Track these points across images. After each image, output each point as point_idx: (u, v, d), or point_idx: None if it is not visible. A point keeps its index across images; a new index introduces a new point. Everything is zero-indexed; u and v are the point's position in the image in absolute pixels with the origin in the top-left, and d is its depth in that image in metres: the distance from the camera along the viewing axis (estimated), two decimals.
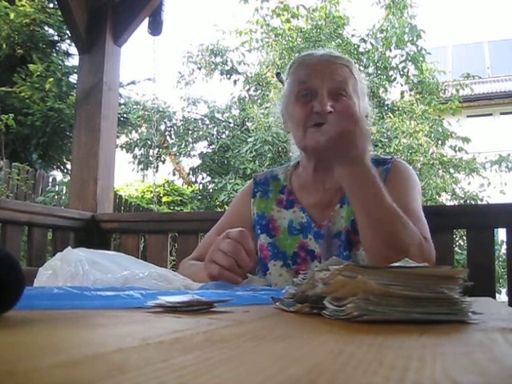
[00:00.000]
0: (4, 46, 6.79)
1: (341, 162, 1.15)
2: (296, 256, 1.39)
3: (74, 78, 6.96)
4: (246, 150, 8.83)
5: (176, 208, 9.39)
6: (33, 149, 7.05)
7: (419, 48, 9.84)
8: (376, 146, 8.11)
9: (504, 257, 6.12)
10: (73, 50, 7.32)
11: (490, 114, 16.46)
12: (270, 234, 1.44)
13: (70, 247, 1.02)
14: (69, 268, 0.94)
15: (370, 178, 1.16)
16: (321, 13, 10.11)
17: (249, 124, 9.64)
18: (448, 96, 10.40)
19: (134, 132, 10.16)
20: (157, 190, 8.94)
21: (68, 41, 7.40)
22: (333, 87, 1.34)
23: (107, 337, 0.48)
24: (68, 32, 6.71)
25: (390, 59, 9.89)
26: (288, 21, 10.21)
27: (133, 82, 7.81)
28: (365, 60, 9.51)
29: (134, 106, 9.78)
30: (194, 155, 10.26)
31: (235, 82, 10.77)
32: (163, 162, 10.75)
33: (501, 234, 2.89)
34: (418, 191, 1.38)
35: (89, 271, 0.93)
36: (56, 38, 7.49)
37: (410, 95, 9.95)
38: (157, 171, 9.77)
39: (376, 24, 10.02)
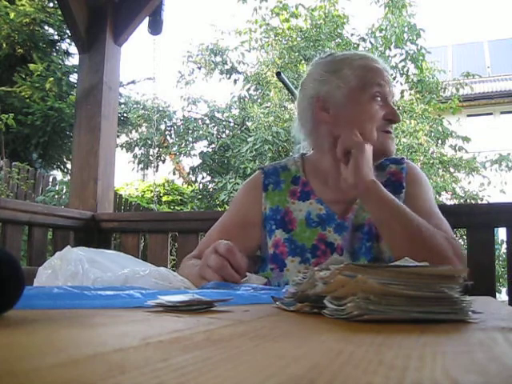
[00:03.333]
0: (4, 45, 6.79)
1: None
2: (316, 248, 1.37)
3: (74, 78, 6.96)
4: (246, 150, 8.83)
5: (176, 207, 9.39)
6: (33, 148, 7.05)
7: (419, 47, 9.84)
8: None
9: (504, 256, 6.12)
10: (73, 49, 7.33)
11: (490, 113, 16.47)
12: (286, 228, 1.40)
13: (69, 246, 1.02)
14: (69, 267, 0.94)
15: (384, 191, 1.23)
16: (320, 12, 10.11)
17: (249, 123, 9.64)
18: (448, 95, 10.40)
19: (134, 131, 10.18)
20: (157, 189, 8.94)
21: (68, 40, 7.40)
22: (392, 99, 1.42)
23: (107, 336, 0.49)
24: (68, 31, 6.71)
25: (390, 58, 9.89)
26: (287, 20, 10.21)
27: (133, 82, 7.82)
28: None
29: (134, 106, 9.79)
30: (194, 155, 10.27)
31: (235, 81, 10.78)
32: (163, 161, 10.76)
33: (501, 233, 2.89)
34: (432, 192, 1.46)
35: (89, 270, 0.93)
36: (56, 37, 7.49)
37: (410, 94, 9.95)
38: (157, 171, 9.78)
39: (375, 23, 10.03)
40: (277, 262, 1.40)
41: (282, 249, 1.40)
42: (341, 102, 1.38)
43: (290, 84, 3.65)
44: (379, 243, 1.33)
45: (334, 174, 1.40)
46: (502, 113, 16.37)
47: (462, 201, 9.11)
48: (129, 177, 10.50)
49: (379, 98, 1.37)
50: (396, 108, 1.43)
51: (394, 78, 10.00)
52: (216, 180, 9.39)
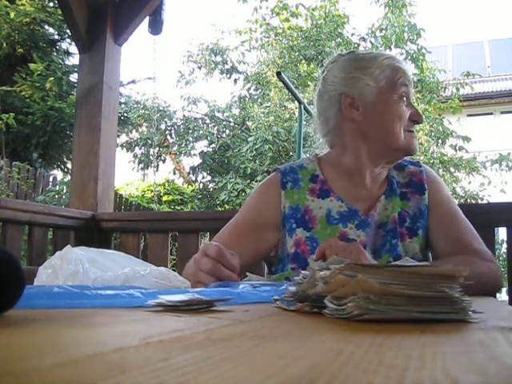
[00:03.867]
0: (4, 44, 6.79)
1: None
2: None
3: (74, 78, 6.96)
4: (247, 149, 8.83)
5: (176, 207, 9.39)
6: (33, 148, 7.05)
7: (419, 47, 9.85)
8: None
9: (504, 256, 6.11)
10: (73, 49, 7.32)
11: (491, 113, 16.47)
12: (306, 227, 1.39)
13: (69, 245, 1.02)
14: (69, 266, 0.94)
15: None
16: (320, 12, 10.11)
17: (249, 123, 9.64)
18: (448, 95, 10.40)
19: (134, 131, 10.18)
20: (157, 189, 8.94)
21: (68, 40, 7.40)
22: None
23: (107, 336, 0.48)
24: (68, 31, 6.71)
25: None
26: (287, 20, 10.22)
27: (133, 81, 7.81)
28: None
29: (135, 105, 9.79)
30: (194, 154, 10.28)
31: (235, 81, 10.79)
32: (163, 161, 10.77)
33: (501, 233, 2.89)
34: (450, 193, 1.55)
35: (89, 269, 0.93)
36: (56, 37, 7.49)
37: None
38: (157, 170, 9.78)
39: (375, 23, 10.03)
40: (298, 261, 1.38)
41: (304, 247, 1.38)
42: (370, 101, 1.38)
43: (290, 84, 3.65)
44: (403, 242, 1.37)
45: (358, 171, 1.42)
46: (502, 112, 16.37)
47: (462, 200, 9.11)
48: (129, 176, 10.50)
49: (405, 98, 1.40)
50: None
51: None
52: (216, 180, 9.40)
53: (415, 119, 1.40)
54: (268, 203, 1.44)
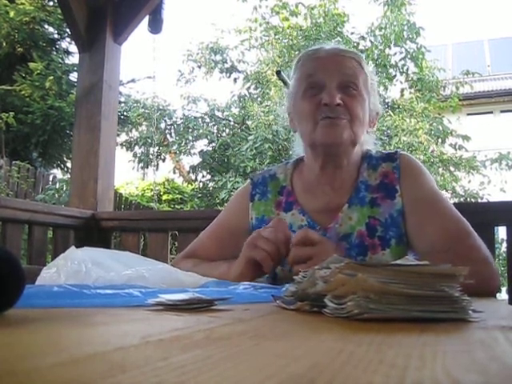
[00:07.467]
0: (4, 44, 6.79)
1: None
2: None
3: (74, 77, 6.95)
4: (247, 148, 8.83)
5: (176, 206, 9.39)
6: (33, 147, 7.05)
7: (419, 45, 9.84)
8: (376, 144, 8.11)
9: (504, 255, 6.11)
10: (73, 48, 7.32)
11: (490, 112, 16.45)
12: None
13: (73, 247, 1.03)
14: (72, 266, 0.94)
15: None
16: (320, 10, 10.10)
17: (249, 122, 9.63)
18: (448, 94, 10.40)
19: (134, 130, 10.17)
20: (157, 188, 8.94)
21: (68, 39, 7.40)
22: (342, 80, 1.29)
23: (107, 335, 0.49)
24: (68, 30, 6.70)
25: (390, 57, 9.88)
26: (287, 19, 10.21)
27: (133, 80, 7.81)
28: (364, 58, 9.49)
29: (134, 104, 9.78)
30: (194, 153, 10.27)
31: (235, 80, 10.77)
32: (163, 160, 10.76)
33: (501, 232, 2.89)
34: (435, 185, 1.36)
35: (91, 269, 0.93)
36: (56, 36, 7.48)
37: (410, 93, 9.94)
38: (157, 169, 9.78)
39: (375, 21, 10.02)
40: None
41: None
42: (293, 108, 1.40)
43: (290, 82, 3.65)
44: (375, 254, 1.27)
45: (317, 179, 1.37)
46: (501, 111, 16.36)
47: (461, 199, 9.11)
48: (129, 175, 10.50)
49: (315, 89, 1.30)
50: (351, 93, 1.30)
51: (394, 77, 10.00)
52: (216, 179, 9.39)
53: (324, 102, 1.27)
54: (241, 211, 1.46)
